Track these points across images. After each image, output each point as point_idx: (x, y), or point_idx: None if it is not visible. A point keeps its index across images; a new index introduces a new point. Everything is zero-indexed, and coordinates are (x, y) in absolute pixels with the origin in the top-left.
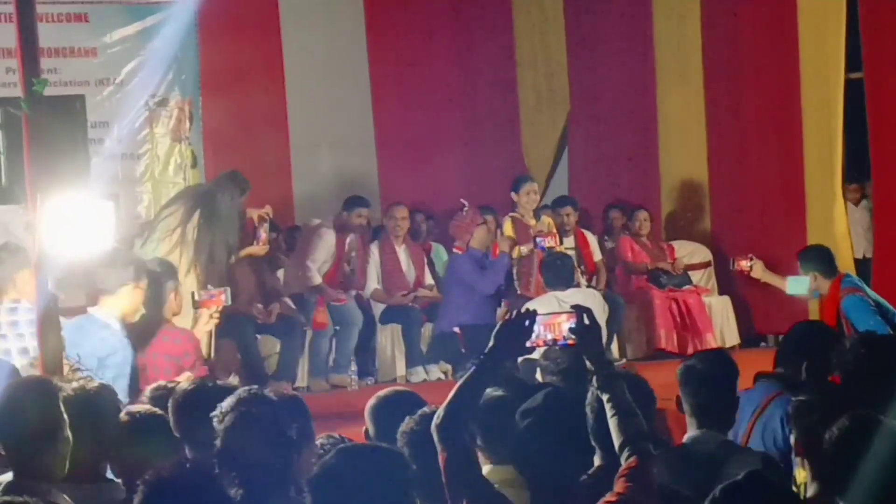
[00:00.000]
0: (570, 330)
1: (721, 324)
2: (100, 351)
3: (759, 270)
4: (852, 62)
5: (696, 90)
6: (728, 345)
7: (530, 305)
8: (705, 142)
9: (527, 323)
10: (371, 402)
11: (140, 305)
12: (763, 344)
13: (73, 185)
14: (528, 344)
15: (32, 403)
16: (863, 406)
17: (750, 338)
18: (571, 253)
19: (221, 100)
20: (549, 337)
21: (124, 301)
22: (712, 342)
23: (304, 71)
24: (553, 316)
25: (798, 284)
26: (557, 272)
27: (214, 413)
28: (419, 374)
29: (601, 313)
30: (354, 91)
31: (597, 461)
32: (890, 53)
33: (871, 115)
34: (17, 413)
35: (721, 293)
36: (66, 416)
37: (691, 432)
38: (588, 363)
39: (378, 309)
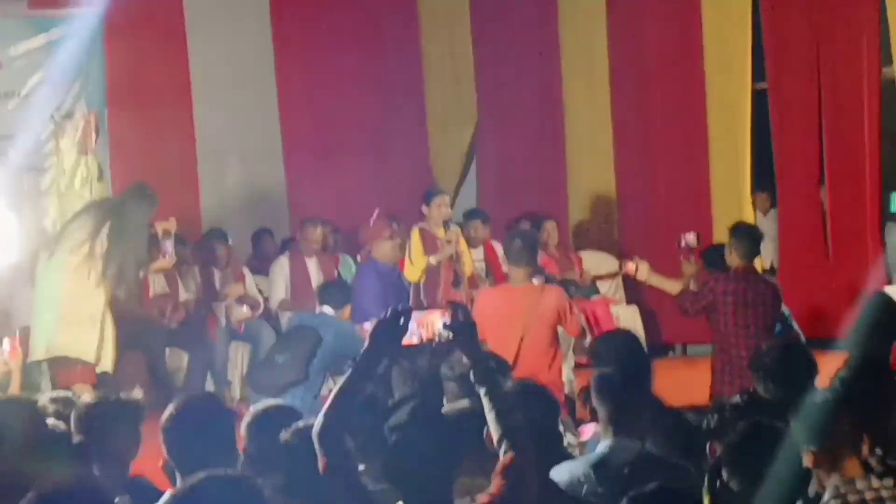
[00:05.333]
0: (445, 326)
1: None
2: None
3: (644, 272)
4: (760, 73)
5: (603, 101)
6: None
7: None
8: (612, 152)
9: (401, 321)
10: (247, 417)
11: None
12: (671, 353)
13: None
14: (403, 342)
15: None
16: (778, 408)
17: (657, 347)
18: (480, 265)
19: (128, 112)
20: (425, 334)
21: None
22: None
23: (210, 82)
24: (427, 313)
25: None
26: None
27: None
28: (329, 386)
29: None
30: (262, 101)
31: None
32: (792, 64)
33: (774, 126)
34: None
35: (629, 303)
36: None
37: (605, 441)
38: (465, 358)
39: (285, 320)
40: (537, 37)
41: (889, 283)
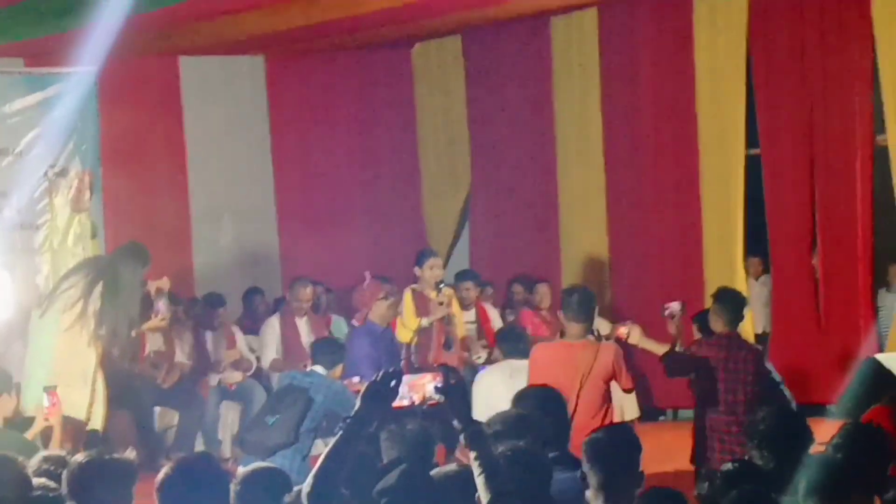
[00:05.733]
0: (436, 389)
1: (621, 396)
2: None
3: (636, 336)
4: (754, 138)
5: (597, 165)
6: (628, 418)
7: (484, 374)
8: (605, 216)
9: (392, 384)
10: (235, 480)
11: None
12: (662, 417)
13: None
14: (394, 405)
15: None
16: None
17: (649, 411)
18: (472, 327)
19: (122, 170)
20: (415, 397)
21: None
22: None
23: (205, 141)
24: (419, 377)
25: None
26: (516, 342)
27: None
28: (318, 446)
29: None
30: (256, 162)
31: None
32: (785, 130)
33: (767, 191)
34: None
35: None
36: None
37: None
38: (455, 422)
39: (276, 380)
40: (532, 101)
41: (881, 349)
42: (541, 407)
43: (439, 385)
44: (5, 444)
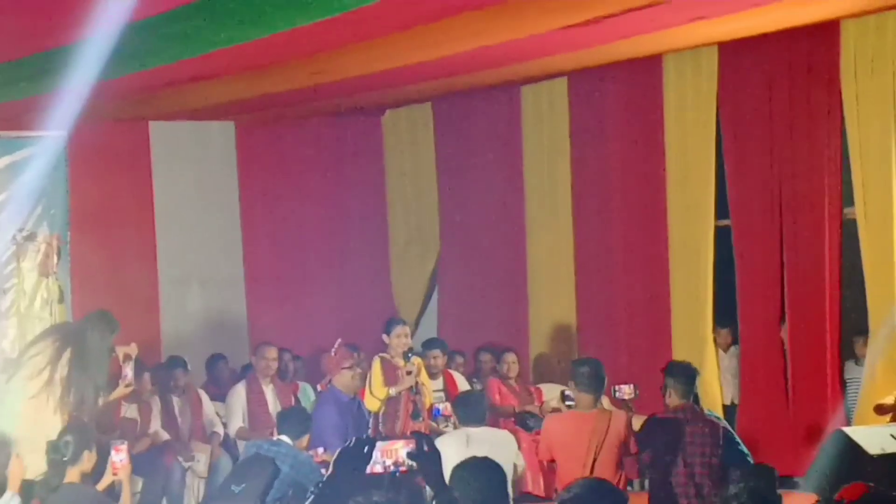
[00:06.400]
0: (409, 455)
1: None
2: None
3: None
4: (724, 210)
5: (566, 233)
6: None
7: (438, 441)
8: (574, 284)
9: (365, 449)
10: None
11: None
12: (629, 488)
13: None
14: (367, 471)
15: None
16: None
17: None
18: (440, 395)
19: (90, 235)
20: (388, 463)
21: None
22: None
23: (174, 207)
24: (390, 442)
25: None
26: (473, 409)
27: None
28: None
29: (513, 453)
30: (225, 228)
31: None
32: (755, 202)
33: (738, 262)
34: None
35: None
36: None
37: None
38: (428, 488)
39: (242, 448)
40: (501, 168)
41: (848, 422)
42: (476, 479)
43: (412, 451)
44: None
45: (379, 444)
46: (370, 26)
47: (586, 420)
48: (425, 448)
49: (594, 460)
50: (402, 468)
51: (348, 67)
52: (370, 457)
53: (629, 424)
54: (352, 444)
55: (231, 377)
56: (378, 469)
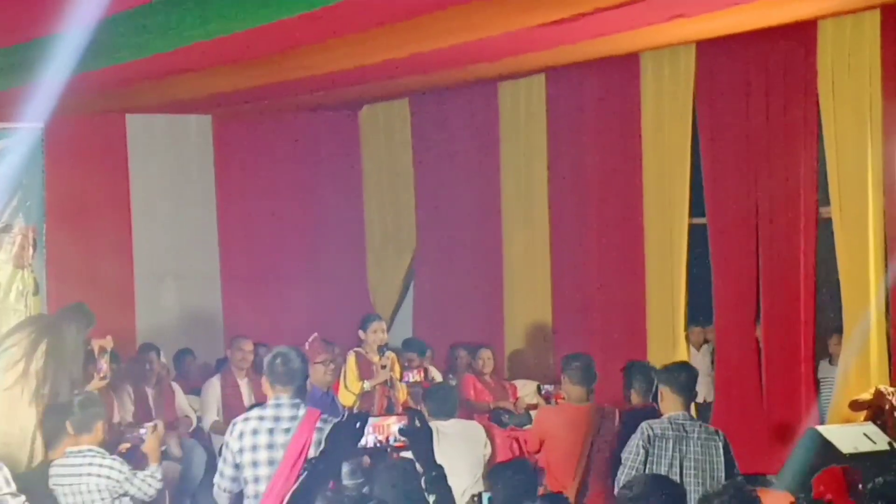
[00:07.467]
0: (400, 431)
1: None
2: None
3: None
4: (697, 207)
5: (542, 230)
6: None
7: None
8: (549, 281)
9: (357, 425)
10: None
11: None
12: None
13: None
14: (359, 445)
15: None
16: None
17: None
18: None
19: (66, 227)
20: (380, 438)
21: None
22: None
23: (150, 200)
24: (383, 418)
25: None
26: (442, 403)
27: None
28: None
29: (482, 446)
30: (201, 223)
31: None
32: (730, 200)
33: (714, 260)
34: None
35: None
36: None
37: None
38: (417, 465)
39: (218, 442)
40: (478, 164)
41: (822, 421)
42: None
43: (403, 426)
44: None
45: (371, 419)
46: (347, 22)
47: (580, 413)
48: (417, 424)
49: (587, 455)
50: (395, 443)
51: (325, 63)
52: (363, 432)
53: (622, 420)
54: (344, 418)
55: (200, 371)
56: (369, 443)
